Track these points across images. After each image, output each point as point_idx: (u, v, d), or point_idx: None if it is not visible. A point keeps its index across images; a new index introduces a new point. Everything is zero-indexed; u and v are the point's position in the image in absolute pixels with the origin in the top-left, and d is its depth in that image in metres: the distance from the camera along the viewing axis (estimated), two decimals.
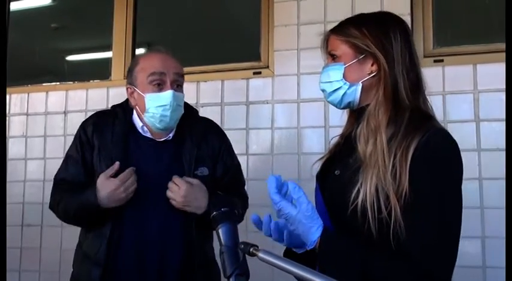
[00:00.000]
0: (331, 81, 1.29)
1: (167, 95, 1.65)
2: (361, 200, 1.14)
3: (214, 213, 1.05)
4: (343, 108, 1.33)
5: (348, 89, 1.27)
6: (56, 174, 1.79)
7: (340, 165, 1.28)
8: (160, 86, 1.66)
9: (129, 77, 1.75)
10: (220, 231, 1.02)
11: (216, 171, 1.78)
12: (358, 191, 1.15)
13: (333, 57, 1.31)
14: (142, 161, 1.71)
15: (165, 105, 1.65)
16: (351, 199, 1.16)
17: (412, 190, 1.10)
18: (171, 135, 1.74)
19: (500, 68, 2.27)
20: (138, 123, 1.74)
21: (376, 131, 1.19)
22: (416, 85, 1.25)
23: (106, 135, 1.72)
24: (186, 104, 1.82)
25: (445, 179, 1.14)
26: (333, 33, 1.32)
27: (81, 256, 1.74)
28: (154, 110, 1.66)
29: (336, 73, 1.28)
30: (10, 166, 2.97)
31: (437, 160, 1.13)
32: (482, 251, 2.21)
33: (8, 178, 2.86)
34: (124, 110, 1.78)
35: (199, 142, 1.75)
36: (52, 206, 1.77)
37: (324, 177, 1.33)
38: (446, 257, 1.11)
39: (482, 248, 2.21)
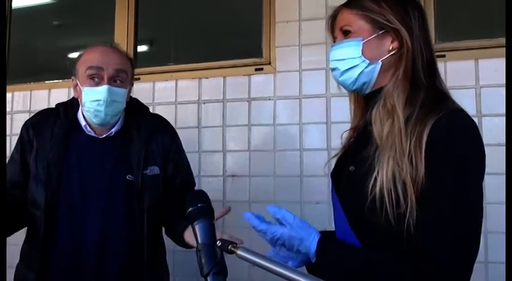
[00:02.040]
0: (345, 59, 1.18)
1: (101, 90, 1.62)
2: (379, 189, 1.05)
3: (191, 209, 1.00)
4: (354, 90, 1.23)
5: (366, 67, 1.17)
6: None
7: (354, 160, 1.18)
8: (97, 81, 1.64)
9: (73, 68, 1.73)
10: (196, 228, 0.97)
11: (167, 171, 1.73)
12: (376, 179, 1.06)
13: (345, 33, 1.20)
14: (84, 159, 1.67)
15: (99, 100, 1.62)
16: (369, 190, 1.07)
17: (426, 179, 1.02)
18: (113, 131, 1.70)
19: (503, 63, 2.26)
20: (82, 121, 1.71)
21: (393, 112, 1.10)
22: (432, 65, 1.18)
23: (45, 136, 1.69)
24: (135, 100, 1.80)
25: (459, 167, 1.03)
26: (346, 8, 1.21)
27: (20, 258, 1.72)
28: (89, 104, 1.64)
29: (352, 50, 1.17)
30: None
31: (450, 146, 1.03)
32: (484, 246, 2.22)
33: None
34: (66, 108, 1.75)
35: (148, 139, 1.71)
36: None
37: (339, 175, 1.24)
38: (465, 255, 1.02)
39: (484, 243, 2.21)
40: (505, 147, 2.19)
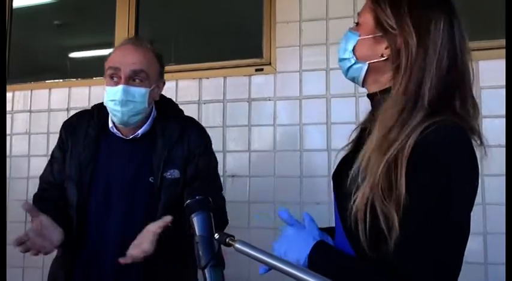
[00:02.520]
0: (343, 48, 1.15)
1: (116, 89, 1.62)
2: (354, 210, 1.01)
3: (189, 201, 0.99)
4: (349, 79, 1.19)
5: (354, 64, 1.13)
6: (42, 172, 1.80)
7: (352, 165, 1.09)
8: (116, 80, 1.63)
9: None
10: (194, 220, 0.96)
11: (187, 173, 1.70)
12: (354, 202, 1.01)
13: (357, 23, 1.16)
14: (112, 161, 1.69)
15: (115, 100, 1.62)
16: (349, 210, 1.02)
17: (408, 202, 0.94)
18: (139, 133, 1.70)
19: (503, 64, 2.27)
20: (110, 122, 1.72)
21: (376, 130, 1.02)
22: (452, 85, 1.06)
23: (79, 138, 1.72)
24: (168, 101, 1.79)
25: (441, 188, 0.95)
26: None
27: (55, 256, 1.74)
28: (108, 104, 1.64)
29: (348, 42, 1.14)
30: (13, 163, 2.98)
31: (434, 165, 0.95)
32: (484, 247, 2.22)
33: (12, 174, 2.88)
34: (100, 110, 1.76)
35: (173, 141, 1.69)
36: None
37: (339, 176, 1.17)
38: (442, 276, 0.95)
39: (484, 244, 2.22)
40: (504, 148, 2.20)
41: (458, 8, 1.10)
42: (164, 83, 1.80)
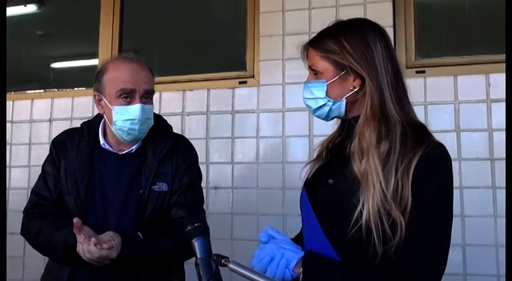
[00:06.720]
0: (315, 98, 1.27)
1: (136, 109, 1.62)
2: (365, 220, 1.11)
3: (189, 228, 1.13)
4: (332, 119, 1.31)
5: (333, 105, 1.25)
6: (35, 188, 1.77)
7: (333, 174, 1.23)
8: (128, 99, 1.64)
9: (97, 83, 1.71)
10: (195, 244, 1.11)
11: (173, 188, 1.73)
12: (361, 211, 1.12)
13: (314, 72, 1.27)
14: (105, 177, 1.70)
15: (133, 119, 1.63)
16: (353, 218, 1.13)
17: (413, 205, 1.09)
18: (133, 148, 1.71)
19: (481, 79, 2.33)
20: (101, 140, 1.72)
21: (368, 150, 1.15)
22: (403, 95, 1.22)
23: (71, 154, 1.73)
24: (158, 117, 1.81)
25: (442, 196, 1.14)
26: (311, 47, 1.28)
27: (48, 269, 1.75)
28: (122, 123, 1.64)
29: (318, 90, 1.26)
30: None
31: (436, 178, 1.13)
32: (463, 259, 2.25)
33: None
34: (89, 127, 1.78)
35: (163, 157, 1.72)
36: (26, 235, 1.72)
37: (314, 185, 1.29)
38: (438, 271, 1.13)
39: (463, 256, 2.25)
40: (482, 161, 2.26)
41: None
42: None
